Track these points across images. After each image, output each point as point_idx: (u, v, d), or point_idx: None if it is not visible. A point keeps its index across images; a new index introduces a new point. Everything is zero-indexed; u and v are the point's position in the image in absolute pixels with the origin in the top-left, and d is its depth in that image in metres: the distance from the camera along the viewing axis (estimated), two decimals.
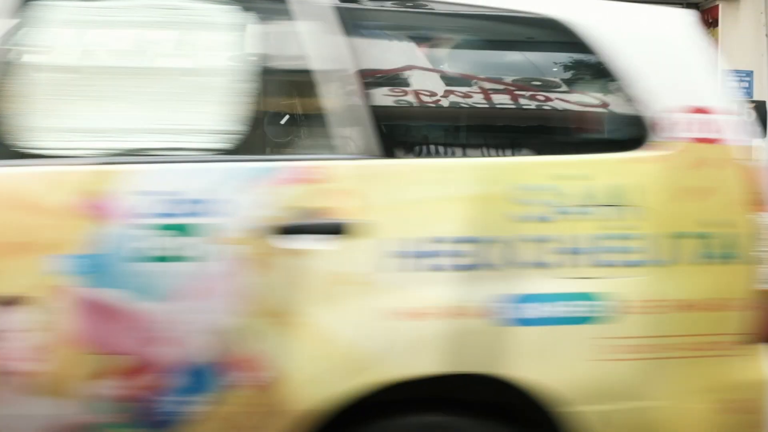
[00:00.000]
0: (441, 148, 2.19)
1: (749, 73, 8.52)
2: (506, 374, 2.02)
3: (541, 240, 2.05)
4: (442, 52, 2.37)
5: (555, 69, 2.35)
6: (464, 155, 2.19)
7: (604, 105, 2.29)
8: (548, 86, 2.27)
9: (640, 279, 2.08)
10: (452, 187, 2.05)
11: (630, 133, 2.17)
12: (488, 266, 2.03)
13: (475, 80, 2.26)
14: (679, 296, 2.09)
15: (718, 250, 2.11)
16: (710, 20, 8.53)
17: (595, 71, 2.24)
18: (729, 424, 2.12)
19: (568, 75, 2.32)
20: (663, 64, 2.20)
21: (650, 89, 2.16)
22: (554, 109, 2.26)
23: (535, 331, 2.03)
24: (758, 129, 8.55)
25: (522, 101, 2.24)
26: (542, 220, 2.05)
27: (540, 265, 2.05)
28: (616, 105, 2.26)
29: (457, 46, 2.39)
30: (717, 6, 8.45)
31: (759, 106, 8.53)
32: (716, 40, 8.41)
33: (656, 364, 2.07)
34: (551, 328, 2.04)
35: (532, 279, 2.04)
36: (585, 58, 2.25)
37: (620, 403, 2.07)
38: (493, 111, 2.25)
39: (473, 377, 2.03)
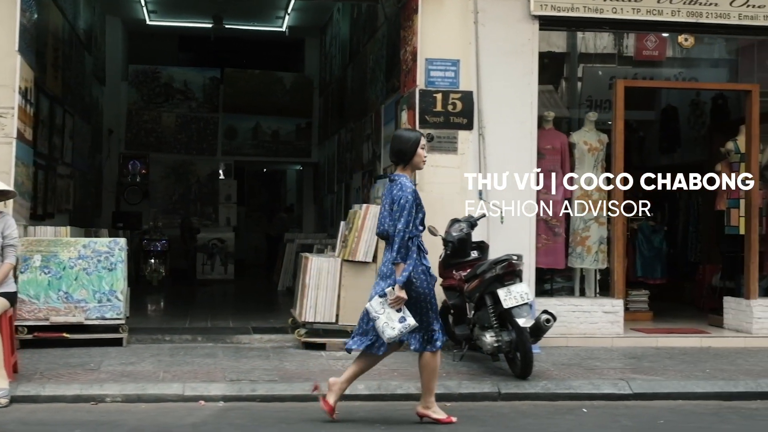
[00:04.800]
0: None
1: (455, 62, 8.27)
2: None
3: None
4: None
5: None
6: None
7: None
8: None
9: None
10: None
11: None
12: None
13: None
14: None
15: None
16: (415, 7, 8.23)
17: None
18: None
19: None
20: None
21: None
22: None
23: None
24: (465, 120, 8.46)
25: None
26: None
27: None
28: None
29: None
30: None
31: (465, 96, 8.39)
32: (417, 27, 8.16)
33: None
34: None
35: None
36: None
37: None
38: None
39: None
